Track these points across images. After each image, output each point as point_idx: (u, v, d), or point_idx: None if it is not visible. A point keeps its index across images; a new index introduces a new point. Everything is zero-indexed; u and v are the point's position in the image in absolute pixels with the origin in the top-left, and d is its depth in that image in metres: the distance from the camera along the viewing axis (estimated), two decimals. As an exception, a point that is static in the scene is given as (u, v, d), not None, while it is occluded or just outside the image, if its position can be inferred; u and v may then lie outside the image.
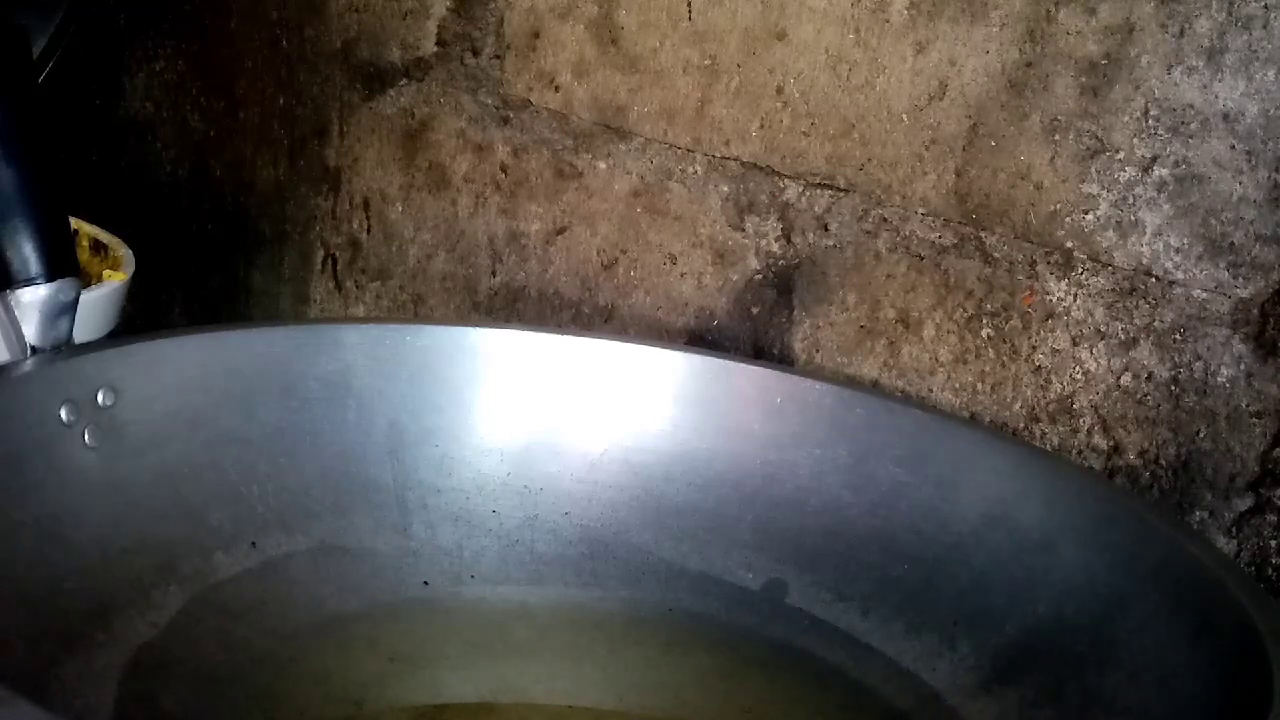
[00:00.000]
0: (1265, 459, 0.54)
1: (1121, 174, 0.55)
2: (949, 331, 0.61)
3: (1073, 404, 0.58)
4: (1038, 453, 0.58)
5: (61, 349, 0.52)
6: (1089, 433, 0.58)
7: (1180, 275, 0.55)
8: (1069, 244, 0.57)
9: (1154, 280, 0.55)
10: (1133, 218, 0.56)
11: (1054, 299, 0.58)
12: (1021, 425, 0.60)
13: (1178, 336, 0.55)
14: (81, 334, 0.54)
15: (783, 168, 0.65)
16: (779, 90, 0.64)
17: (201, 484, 0.54)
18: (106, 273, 0.69)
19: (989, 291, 0.60)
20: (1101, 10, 0.55)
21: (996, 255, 0.59)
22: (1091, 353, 0.57)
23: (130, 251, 0.70)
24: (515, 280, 0.75)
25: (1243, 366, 0.54)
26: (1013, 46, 0.57)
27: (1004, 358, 0.60)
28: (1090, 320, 0.57)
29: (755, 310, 0.67)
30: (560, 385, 0.60)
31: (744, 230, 0.66)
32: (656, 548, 0.58)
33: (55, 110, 0.84)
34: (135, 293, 0.67)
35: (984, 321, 0.60)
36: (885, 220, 0.62)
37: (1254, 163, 0.52)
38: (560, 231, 0.73)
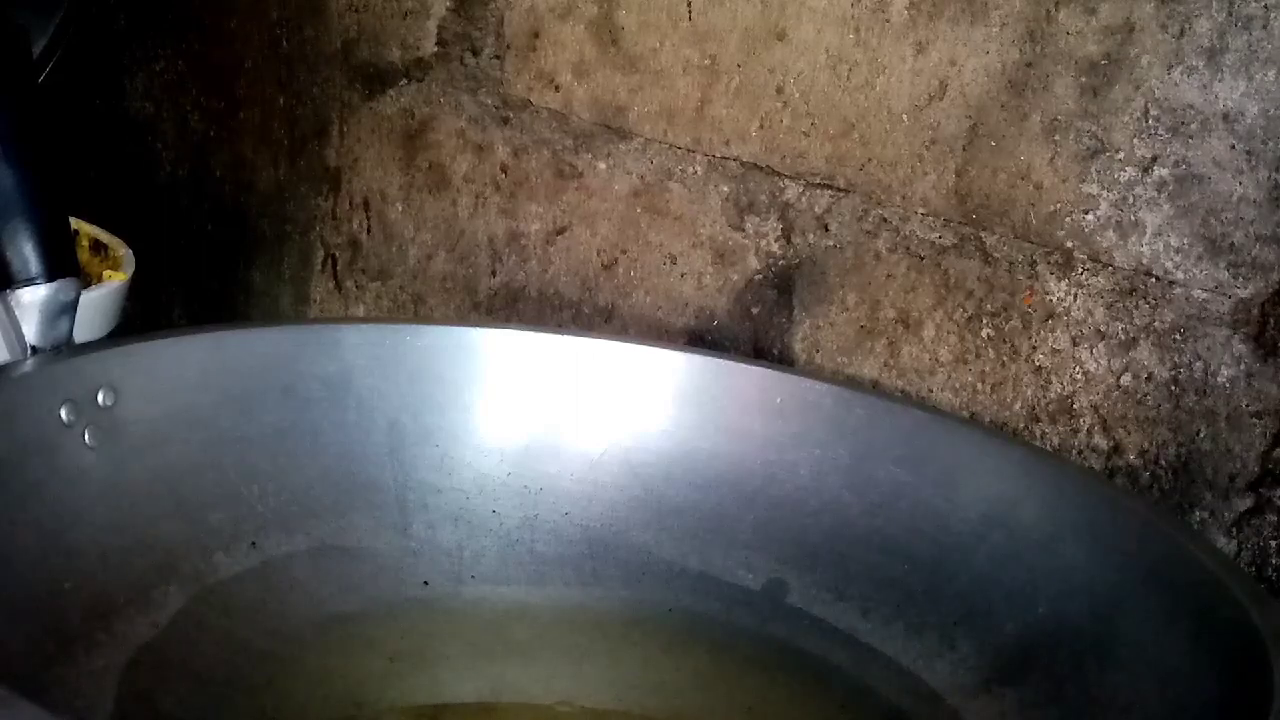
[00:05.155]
0: (1265, 459, 0.54)
1: (1121, 174, 0.55)
2: (949, 331, 0.61)
3: (1073, 404, 0.58)
4: (1038, 453, 0.58)
5: (61, 349, 0.52)
6: (1089, 433, 0.58)
7: (1180, 275, 0.55)
8: (1069, 244, 0.57)
9: (1154, 280, 0.55)
10: (1133, 218, 0.55)
11: (1054, 299, 0.58)
12: (1021, 425, 0.60)
13: (1178, 336, 0.55)
14: (81, 334, 0.53)
15: (783, 168, 0.65)
16: (779, 90, 0.64)
17: (201, 484, 0.54)
18: (106, 273, 0.69)
19: (989, 291, 0.60)
20: (1101, 10, 0.55)
21: (996, 255, 0.59)
22: (1091, 353, 0.57)
23: (130, 251, 0.70)
24: (515, 280, 0.75)
25: (1243, 366, 0.54)
26: (1013, 46, 0.57)
27: (1004, 358, 0.60)
28: (1090, 320, 0.57)
29: (755, 310, 0.67)
30: (560, 385, 0.60)
31: (744, 230, 0.66)
32: (657, 548, 0.58)
33: (55, 110, 0.84)
34: (135, 293, 0.67)
35: (984, 321, 0.60)
36: (885, 220, 0.62)
37: (1254, 163, 0.52)
38: (560, 231, 0.73)
